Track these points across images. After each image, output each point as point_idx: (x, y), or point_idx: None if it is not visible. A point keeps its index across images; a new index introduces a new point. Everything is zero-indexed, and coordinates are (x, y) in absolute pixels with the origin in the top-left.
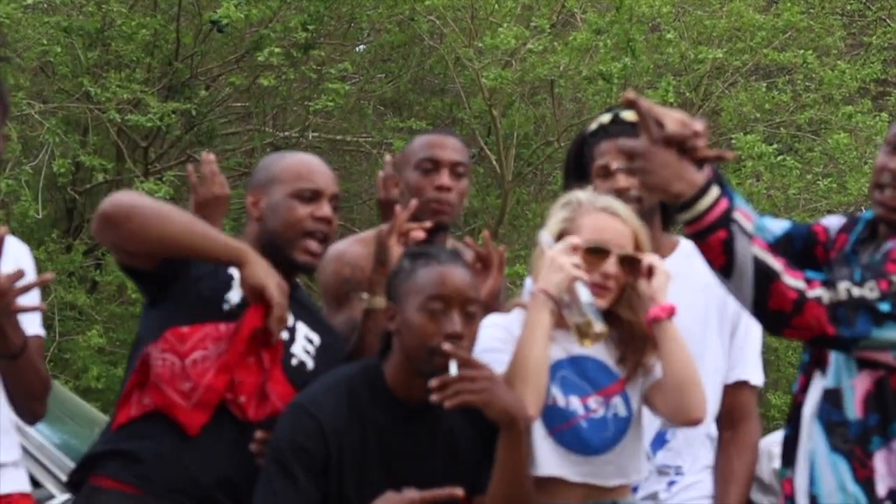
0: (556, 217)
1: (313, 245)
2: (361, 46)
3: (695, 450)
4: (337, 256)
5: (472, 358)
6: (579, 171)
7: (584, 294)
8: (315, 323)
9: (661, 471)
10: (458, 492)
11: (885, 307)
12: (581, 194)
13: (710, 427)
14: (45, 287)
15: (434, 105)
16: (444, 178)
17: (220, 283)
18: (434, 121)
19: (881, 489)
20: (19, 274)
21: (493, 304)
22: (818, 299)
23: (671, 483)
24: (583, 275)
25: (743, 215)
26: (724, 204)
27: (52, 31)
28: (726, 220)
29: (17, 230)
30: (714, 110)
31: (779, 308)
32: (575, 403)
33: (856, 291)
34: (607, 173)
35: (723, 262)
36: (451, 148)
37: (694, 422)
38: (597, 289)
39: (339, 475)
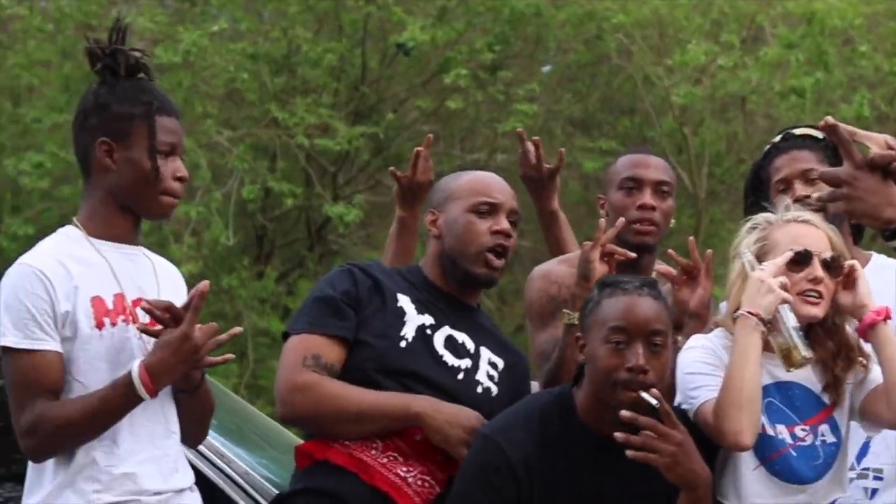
0: (748, 241)
1: (493, 259)
2: (548, 67)
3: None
4: (543, 275)
5: (672, 413)
6: (758, 196)
7: (790, 318)
8: (498, 346)
9: (861, 474)
10: None
11: None
12: (765, 214)
13: None
14: (237, 313)
15: (623, 124)
16: (647, 197)
17: (392, 324)
18: (624, 140)
19: None
20: (213, 329)
21: (704, 313)
22: None
23: (873, 491)
24: (790, 297)
25: None
26: None
27: (239, 58)
28: None
29: (208, 258)
30: None
31: None
32: (783, 433)
33: None
34: (787, 186)
35: None
36: (654, 167)
37: None
38: (809, 298)
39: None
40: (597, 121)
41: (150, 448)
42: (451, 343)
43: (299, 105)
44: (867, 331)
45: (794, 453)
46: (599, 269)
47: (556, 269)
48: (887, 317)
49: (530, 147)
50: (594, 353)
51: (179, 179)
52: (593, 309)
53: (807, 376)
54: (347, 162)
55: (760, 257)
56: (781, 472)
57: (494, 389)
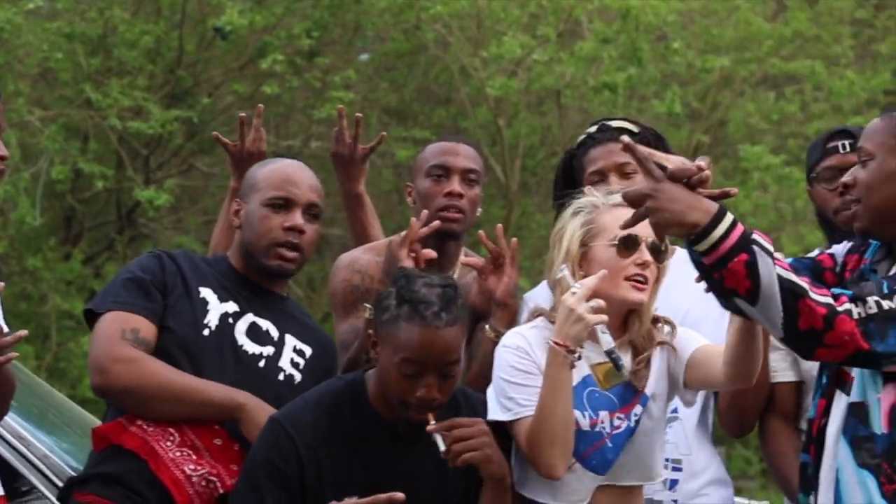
0: (574, 225)
1: (285, 252)
2: (366, 55)
3: (695, 445)
4: (348, 264)
5: (458, 421)
6: (569, 185)
7: (605, 340)
8: (306, 334)
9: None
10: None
11: None
12: (590, 198)
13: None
14: (42, 295)
15: (438, 114)
16: (455, 184)
17: (194, 313)
18: (438, 130)
19: None
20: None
21: (511, 302)
22: (848, 313)
23: (672, 482)
24: (603, 318)
25: (761, 237)
26: (740, 227)
27: (54, 37)
28: (746, 241)
29: (14, 238)
30: (722, 121)
31: (809, 327)
32: (605, 420)
33: (886, 304)
34: (601, 179)
35: (748, 285)
36: (462, 155)
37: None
38: (637, 284)
39: (318, 495)
40: (413, 111)
41: None
42: (253, 330)
43: (114, 86)
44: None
45: (609, 444)
46: (406, 263)
47: (361, 258)
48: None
49: (346, 125)
50: (386, 369)
51: None
52: (390, 322)
53: (624, 363)
54: (160, 145)
55: (586, 242)
56: (598, 466)
57: (298, 377)
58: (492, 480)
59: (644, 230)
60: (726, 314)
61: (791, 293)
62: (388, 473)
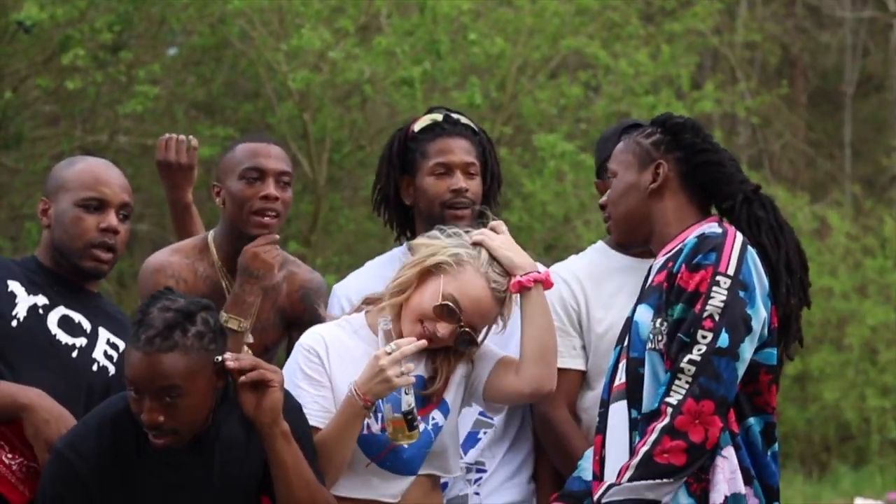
0: (451, 248)
1: (100, 253)
2: (174, 49)
3: (502, 446)
4: (158, 268)
5: (258, 361)
6: (402, 165)
7: (405, 401)
8: (120, 329)
9: (468, 468)
10: None
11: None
12: (484, 253)
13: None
14: None
15: (246, 109)
16: (271, 187)
17: (2, 305)
18: (246, 125)
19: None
20: None
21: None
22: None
23: (477, 481)
24: (410, 381)
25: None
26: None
27: None
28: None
29: None
30: (520, 112)
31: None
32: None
33: (687, 363)
34: (447, 172)
35: None
36: (275, 157)
37: (548, 393)
38: (422, 336)
39: None
40: (220, 105)
41: None
42: (65, 322)
43: None
44: (519, 290)
45: (405, 445)
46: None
47: (172, 261)
48: (546, 285)
49: (174, 135)
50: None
51: None
52: (125, 359)
53: (418, 367)
54: None
55: (431, 273)
56: (393, 465)
57: (112, 369)
58: (264, 426)
59: (475, 314)
60: None
61: (651, 470)
62: (177, 484)
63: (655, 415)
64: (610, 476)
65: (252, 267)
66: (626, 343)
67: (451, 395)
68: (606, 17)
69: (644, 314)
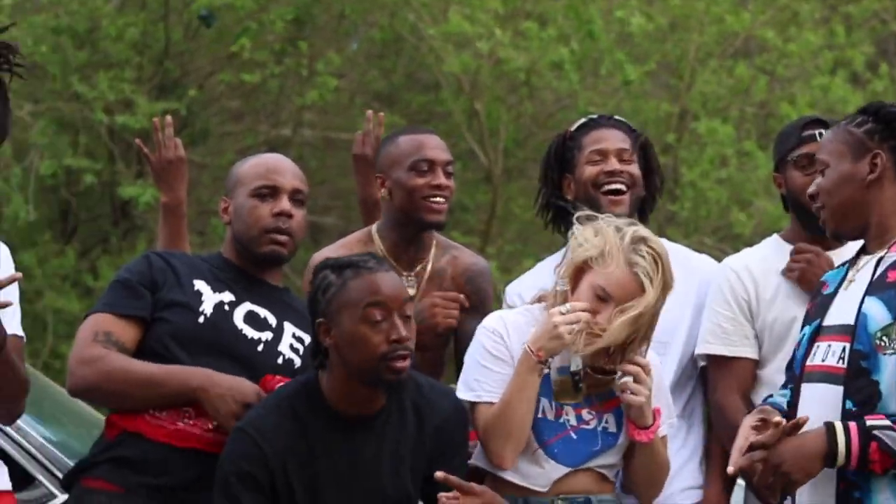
0: (593, 243)
1: (277, 236)
2: (355, 44)
3: (678, 436)
4: (325, 254)
5: (463, 484)
6: (560, 164)
7: (575, 362)
8: (305, 322)
9: None
10: None
11: None
12: (626, 240)
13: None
14: (37, 290)
15: (419, 101)
16: (441, 177)
17: (189, 304)
18: (420, 116)
19: None
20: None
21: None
22: None
23: None
24: (579, 345)
25: (871, 418)
26: (853, 426)
27: (40, 30)
28: (866, 433)
29: (8, 233)
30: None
31: None
32: (569, 413)
33: None
34: (602, 158)
35: (889, 463)
36: (439, 147)
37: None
38: (589, 334)
39: (290, 495)
40: (400, 97)
41: None
42: (251, 317)
43: (102, 79)
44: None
45: (574, 436)
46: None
47: (339, 255)
48: (650, 439)
49: (371, 128)
50: (350, 335)
51: None
52: (337, 292)
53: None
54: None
55: (591, 264)
56: (559, 454)
57: (298, 361)
58: None
59: (627, 297)
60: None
61: None
62: (352, 465)
63: None
64: None
65: (426, 315)
66: (834, 327)
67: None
68: (783, 1)
69: (875, 308)
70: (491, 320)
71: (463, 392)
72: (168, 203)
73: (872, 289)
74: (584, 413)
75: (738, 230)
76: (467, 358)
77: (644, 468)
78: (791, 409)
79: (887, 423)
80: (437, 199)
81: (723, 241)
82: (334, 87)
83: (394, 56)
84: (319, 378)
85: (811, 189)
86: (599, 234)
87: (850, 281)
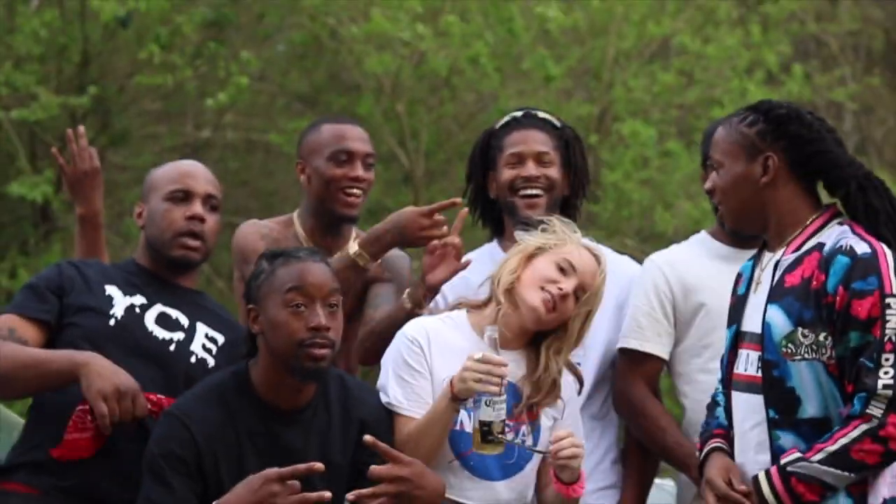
0: (548, 234)
1: (188, 241)
2: (281, 46)
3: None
4: (252, 223)
5: (389, 451)
6: (484, 163)
7: (484, 411)
8: (218, 323)
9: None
10: (327, 495)
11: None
12: (577, 234)
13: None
14: None
15: (340, 102)
16: (359, 169)
17: (99, 308)
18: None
19: None
20: None
21: (438, 290)
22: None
23: None
24: (492, 390)
25: (787, 455)
26: (773, 471)
27: None
28: (782, 471)
29: None
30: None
31: (877, 463)
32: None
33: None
34: (519, 160)
35: (817, 491)
36: (360, 139)
37: None
38: (549, 302)
39: (217, 481)
40: (323, 99)
41: None
42: (163, 319)
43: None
44: (567, 494)
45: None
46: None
47: (264, 222)
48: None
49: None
50: (274, 320)
51: None
52: (267, 279)
53: (518, 374)
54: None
55: (540, 250)
56: (475, 467)
57: (211, 361)
58: None
59: (587, 272)
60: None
61: (843, 461)
62: (279, 454)
63: (833, 422)
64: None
65: (410, 231)
66: (748, 334)
67: (545, 432)
68: (699, 1)
69: (777, 316)
70: (412, 329)
71: (383, 397)
72: (84, 214)
73: (773, 295)
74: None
75: (661, 228)
76: (386, 362)
77: None
78: (728, 417)
79: (797, 455)
80: (354, 190)
81: (645, 241)
82: (246, 88)
83: (315, 57)
84: (249, 368)
85: (707, 185)
86: (551, 229)
87: (757, 283)
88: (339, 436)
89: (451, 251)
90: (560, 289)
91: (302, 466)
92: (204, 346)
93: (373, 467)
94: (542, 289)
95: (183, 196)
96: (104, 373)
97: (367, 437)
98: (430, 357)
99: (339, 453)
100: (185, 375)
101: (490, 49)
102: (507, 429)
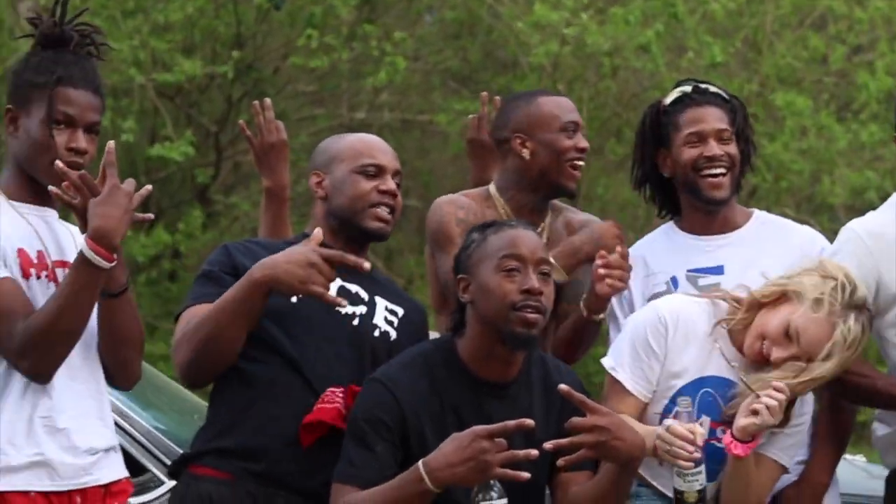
0: (813, 282)
1: (383, 213)
2: (429, 18)
3: None
4: (449, 200)
5: (587, 401)
6: (655, 140)
7: (676, 481)
8: (395, 296)
9: None
10: (534, 453)
11: None
12: (830, 297)
13: None
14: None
15: (499, 82)
16: (581, 140)
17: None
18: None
19: None
20: (134, 183)
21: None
22: None
23: None
24: (683, 464)
25: None
26: None
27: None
28: None
29: None
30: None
31: None
32: (705, 424)
33: None
34: (700, 139)
35: None
36: (575, 110)
37: None
38: (759, 356)
39: (422, 448)
40: (478, 78)
41: (83, 404)
42: (344, 293)
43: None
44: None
45: (706, 449)
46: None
47: (461, 198)
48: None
49: (486, 112)
50: (486, 286)
51: (74, 151)
52: (478, 247)
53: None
54: (229, 122)
55: (789, 298)
56: None
57: (393, 334)
58: (618, 464)
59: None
60: None
61: None
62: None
63: None
64: None
65: (607, 238)
66: None
67: None
68: None
69: None
70: (665, 308)
71: (608, 359)
72: (271, 187)
73: None
74: (719, 430)
75: (830, 200)
76: (627, 325)
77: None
78: None
79: None
80: (580, 162)
81: (806, 212)
82: (404, 68)
83: (469, 35)
84: (456, 342)
85: None
86: (826, 279)
87: None
88: (542, 416)
89: (622, 263)
90: (770, 354)
91: (511, 423)
92: (386, 319)
93: (572, 418)
94: (762, 340)
95: (375, 171)
96: (286, 263)
97: (562, 387)
98: (672, 342)
99: (540, 431)
100: (372, 350)
101: (658, 37)
102: (702, 496)
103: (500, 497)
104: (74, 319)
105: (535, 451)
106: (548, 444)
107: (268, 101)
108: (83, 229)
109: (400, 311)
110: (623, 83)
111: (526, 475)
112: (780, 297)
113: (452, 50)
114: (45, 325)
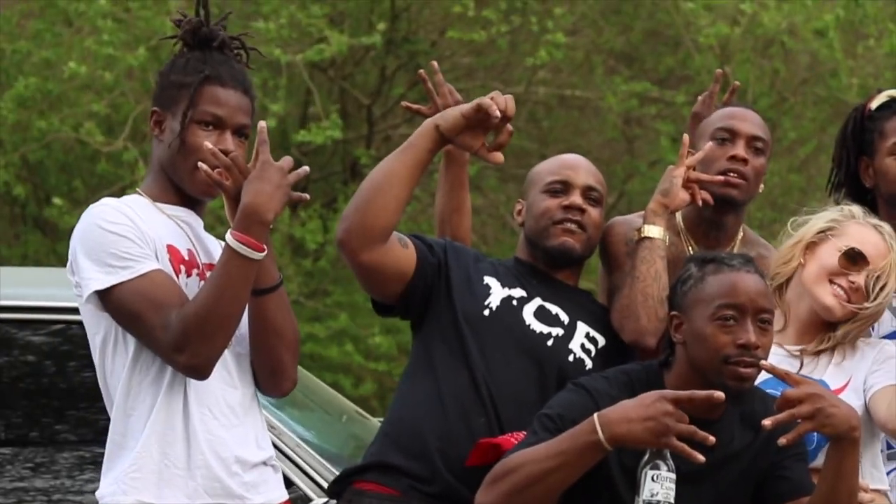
0: (825, 216)
1: (568, 226)
2: None
3: None
4: (623, 221)
5: (790, 373)
6: (857, 147)
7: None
8: (600, 324)
9: None
10: (711, 439)
11: None
12: (855, 208)
13: None
14: None
15: (666, 63)
16: (740, 149)
17: (476, 295)
18: (666, 77)
19: None
20: (290, 160)
21: None
22: None
23: None
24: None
25: None
26: None
27: None
28: None
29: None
30: None
31: None
32: None
33: None
34: None
35: None
36: (750, 121)
37: None
38: (839, 294)
39: (607, 463)
40: (640, 55)
41: (238, 417)
42: (541, 312)
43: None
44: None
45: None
46: (681, 194)
47: (636, 220)
48: None
49: (716, 90)
50: (699, 333)
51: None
52: (695, 285)
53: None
54: (382, 95)
55: (824, 234)
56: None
57: (589, 363)
58: (839, 438)
59: (876, 259)
60: None
61: None
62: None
63: None
64: None
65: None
66: None
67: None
68: None
69: None
70: None
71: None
72: (451, 150)
73: None
74: None
75: None
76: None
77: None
78: None
79: None
80: (733, 173)
81: None
82: (562, 45)
83: (632, 11)
84: (663, 371)
85: None
86: (830, 211)
87: None
88: (749, 449)
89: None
90: (852, 282)
91: (701, 393)
92: (583, 346)
93: (784, 391)
94: (832, 282)
95: (561, 188)
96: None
97: (764, 363)
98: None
99: (749, 468)
100: (559, 372)
101: (838, 21)
102: None
103: (669, 471)
104: (232, 303)
105: (712, 438)
106: (766, 421)
107: (434, 63)
108: (232, 215)
109: (602, 341)
110: (794, 65)
111: (701, 458)
112: (810, 246)
113: (615, 28)
114: (202, 310)
